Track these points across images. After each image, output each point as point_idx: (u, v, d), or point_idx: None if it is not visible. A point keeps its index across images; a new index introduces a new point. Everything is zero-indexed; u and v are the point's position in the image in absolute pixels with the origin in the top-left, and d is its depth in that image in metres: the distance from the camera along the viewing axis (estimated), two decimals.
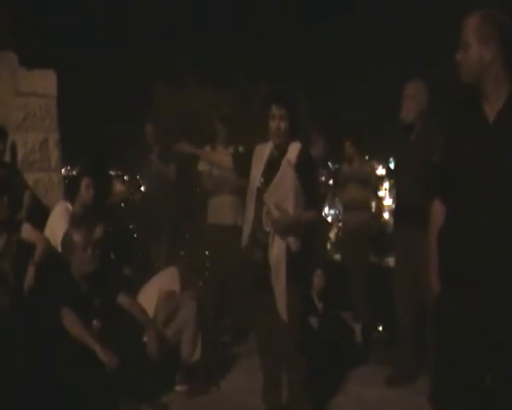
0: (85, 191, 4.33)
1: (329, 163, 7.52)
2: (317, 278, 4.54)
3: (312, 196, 3.16)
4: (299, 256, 3.11)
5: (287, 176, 3.09)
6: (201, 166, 5.22)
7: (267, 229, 3.11)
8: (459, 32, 2.24)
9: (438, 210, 2.40)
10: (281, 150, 3.20)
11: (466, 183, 2.20)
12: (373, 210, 5.64)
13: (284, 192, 3.07)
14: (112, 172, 8.60)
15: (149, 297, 4.01)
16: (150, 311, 3.90)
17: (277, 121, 3.15)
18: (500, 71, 2.18)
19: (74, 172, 7.88)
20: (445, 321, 2.28)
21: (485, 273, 2.13)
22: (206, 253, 5.37)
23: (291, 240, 3.07)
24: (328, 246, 8.13)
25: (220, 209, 5.04)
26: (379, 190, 6.37)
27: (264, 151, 3.28)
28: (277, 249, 3.08)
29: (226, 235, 4.86)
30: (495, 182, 2.13)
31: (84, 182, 4.34)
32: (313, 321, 4.38)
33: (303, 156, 3.17)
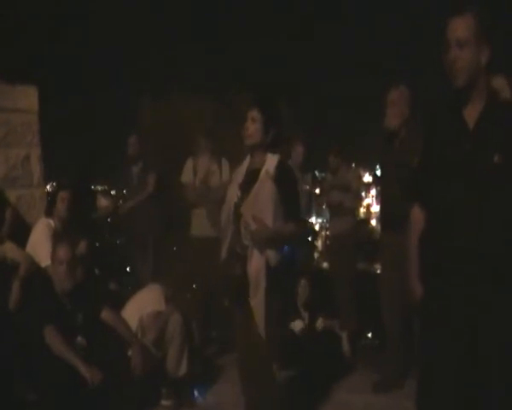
0: (61, 205, 4.31)
1: (316, 172, 7.54)
2: (302, 288, 4.53)
3: (293, 209, 3.05)
4: (279, 269, 2.99)
5: (265, 187, 3.00)
6: (184, 178, 5.21)
7: (246, 242, 3.01)
8: (446, 30, 2.17)
9: (417, 214, 2.41)
10: (258, 162, 3.11)
11: (445, 186, 2.22)
12: (358, 217, 5.67)
13: (262, 204, 2.98)
14: (98, 187, 8.57)
15: (132, 315, 3.96)
16: (132, 328, 3.86)
17: (248, 123, 3.07)
18: (486, 75, 2.20)
19: None
20: (428, 323, 2.29)
21: (464, 275, 2.14)
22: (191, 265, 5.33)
23: (270, 253, 2.97)
24: (316, 255, 8.13)
25: (204, 221, 5.03)
26: (360, 197, 6.38)
27: (243, 165, 3.22)
28: (256, 263, 2.97)
29: (210, 247, 4.84)
30: (475, 185, 2.15)
31: (60, 196, 4.32)
32: (299, 330, 4.38)
33: (282, 168, 3.06)
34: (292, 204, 3.05)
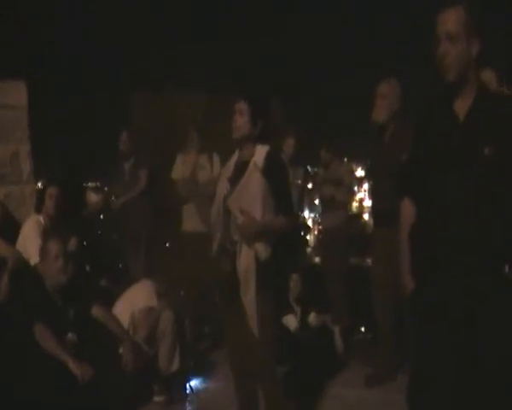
0: (49, 202, 4.28)
1: (308, 167, 7.52)
2: (294, 283, 4.52)
3: (284, 201, 2.97)
4: (269, 264, 2.91)
5: (252, 179, 2.93)
6: (175, 174, 5.19)
7: (235, 238, 2.94)
8: (436, 24, 2.14)
9: (407, 208, 2.40)
10: (247, 155, 3.04)
11: (438, 179, 2.21)
12: (350, 211, 5.67)
13: (250, 196, 2.90)
14: (90, 184, 8.52)
15: (123, 310, 3.94)
16: (124, 325, 3.84)
17: (236, 115, 3.02)
18: (477, 68, 2.18)
19: None
20: (425, 316, 2.28)
21: (462, 266, 2.13)
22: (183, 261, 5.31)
23: (260, 247, 2.88)
24: (308, 249, 8.12)
25: (195, 217, 5.00)
26: (353, 191, 6.39)
27: (232, 159, 3.15)
28: (245, 258, 2.89)
29: (202, 242, 4.82)
30: (466, 178, 2.14)
31: (48, 193, 4.29)
32: (292, 325, 4.37)
33: (271, 159, 2.98)
34: (283, 197, 2.98)
